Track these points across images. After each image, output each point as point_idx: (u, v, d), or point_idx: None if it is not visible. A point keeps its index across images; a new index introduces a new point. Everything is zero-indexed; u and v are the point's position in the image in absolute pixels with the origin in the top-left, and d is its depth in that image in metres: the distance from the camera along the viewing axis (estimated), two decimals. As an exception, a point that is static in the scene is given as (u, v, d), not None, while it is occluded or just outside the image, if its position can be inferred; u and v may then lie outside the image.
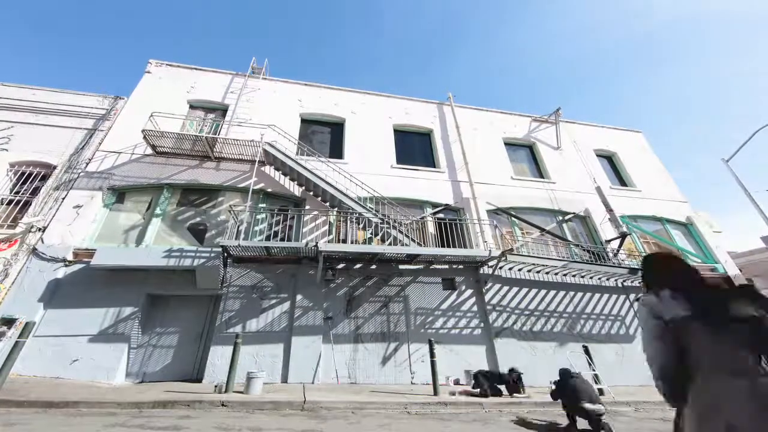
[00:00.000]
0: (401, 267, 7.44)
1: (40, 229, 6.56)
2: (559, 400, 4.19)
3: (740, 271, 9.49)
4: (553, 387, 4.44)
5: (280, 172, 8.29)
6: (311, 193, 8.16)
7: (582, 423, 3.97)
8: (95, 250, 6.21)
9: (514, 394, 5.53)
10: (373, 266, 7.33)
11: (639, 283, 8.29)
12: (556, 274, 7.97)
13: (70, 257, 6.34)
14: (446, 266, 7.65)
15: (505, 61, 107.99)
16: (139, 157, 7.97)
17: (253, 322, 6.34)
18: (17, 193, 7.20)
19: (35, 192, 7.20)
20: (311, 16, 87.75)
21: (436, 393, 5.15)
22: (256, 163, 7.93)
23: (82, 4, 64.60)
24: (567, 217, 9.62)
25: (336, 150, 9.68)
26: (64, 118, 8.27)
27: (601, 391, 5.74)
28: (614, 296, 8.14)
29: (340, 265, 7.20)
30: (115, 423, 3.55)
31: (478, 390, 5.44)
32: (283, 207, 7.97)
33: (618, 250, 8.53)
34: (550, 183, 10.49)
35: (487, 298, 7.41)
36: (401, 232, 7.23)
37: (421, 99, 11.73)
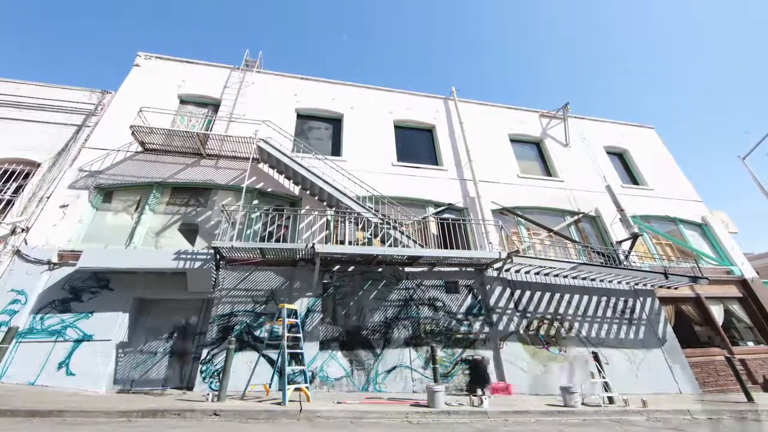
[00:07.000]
0: (404, 270, 7.17)
1: (23, 230, 6.33)
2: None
3: (757, 273, 9.14)
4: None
5: (276, 170, 7.98)
6: (308, 192, 7.88)
7: None
8: (81, 251, 5.97)
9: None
10: (377, 269, 7.07)
11: (651, 286, 8.05)
12: (564, 276, 7.67)
13: (55, 259, 6.13)
14: (450, 269, 7.39)
15: (510, 55, 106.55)
16: (127, 155, 7.68)
17: (247, 327, 6.10)
18: (-1, 191, 6.94)
19: (18, 191, 6.94)
20: (310, 8, 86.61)
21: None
22: (250, 161, 7.60)
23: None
24: (576, 218, 9.27)
25: (334, 147, 9.36)
26: (49, 114, 7.97)
27: (611, 399, 5.50)
28: (630, 300, 7.86)
29: (339, 267, 6.95)
30: (102, 432, 3.32)
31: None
32: (279, 207, 7.66)
33: (629, 252, 8.20)
34: (558, 181, 10.13)
35: (492, 301, 7.16)
36: (402, 233, 6.93)
37: (422, 93, 11.36)
